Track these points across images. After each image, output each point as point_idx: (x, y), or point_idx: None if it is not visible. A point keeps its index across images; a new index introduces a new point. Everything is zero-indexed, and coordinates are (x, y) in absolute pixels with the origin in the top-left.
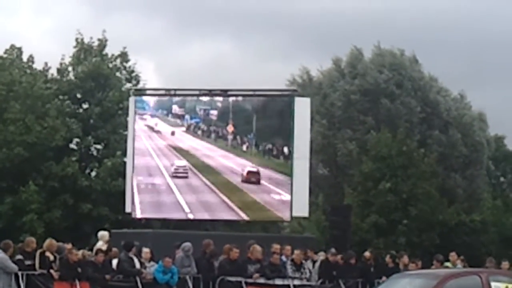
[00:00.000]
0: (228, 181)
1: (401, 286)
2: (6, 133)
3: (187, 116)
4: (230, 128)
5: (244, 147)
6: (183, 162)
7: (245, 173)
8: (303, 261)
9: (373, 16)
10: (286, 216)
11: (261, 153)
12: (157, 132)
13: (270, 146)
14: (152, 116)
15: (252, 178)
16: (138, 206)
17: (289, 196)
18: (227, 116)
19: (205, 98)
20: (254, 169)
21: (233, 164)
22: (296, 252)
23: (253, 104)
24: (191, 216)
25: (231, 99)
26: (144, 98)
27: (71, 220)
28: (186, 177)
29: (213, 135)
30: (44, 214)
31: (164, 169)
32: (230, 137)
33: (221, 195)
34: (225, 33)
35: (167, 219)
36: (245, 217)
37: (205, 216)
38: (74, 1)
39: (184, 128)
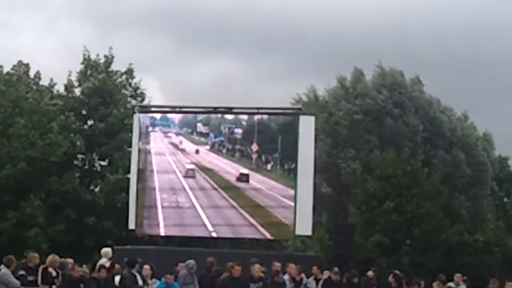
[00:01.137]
0: (251, 199)
1: None
2: (10, 149)
3: (211, 135)
4: (254, 147)
5: (269, 166)
6: (191, 166)
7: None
8: (304, 278)
9: (375, 37)
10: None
11: (286, 172)
12: (182, 150)
13: (294, 165)
14: (177, 134)
15: (243, 178)
16: (162, 224)
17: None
18: (251, 135)
19: (230, 117)
20: (246, 171)
21: (256, 182)
22: (291, 266)
23: (278, 123)
24: (214, 234)
25: (256, 117)
26: (168, 115)
27: (75, 235)
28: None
29: (237, 154)
30: (48, 228)
31: (187, 186)
32: (254, 156)
33: (243, 212)
34: (230, 52)
35: (190, 237)
36: (268, 235)
37: (228, 234)
38: (78, 19)
39: (208, 147)
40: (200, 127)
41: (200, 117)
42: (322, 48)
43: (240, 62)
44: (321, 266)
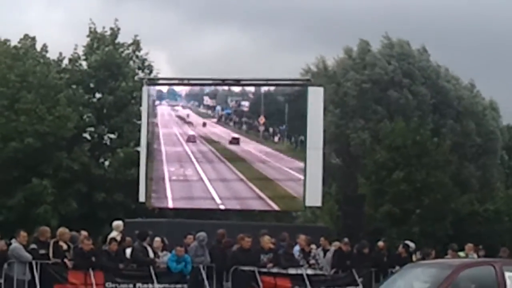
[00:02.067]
0: (259, 172)
1: (414, 276)
2: (18, 124)
3: (218, 107)
4: (261, 119)
5: (276, 139)
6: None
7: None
8: (312, 249)
9: (382, 8)
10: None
11: (293, 145)
12: (189, 123)
13: (302, 138)
14: (184, 107)
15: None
16: (170, 196)
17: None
18: (259, 107)
19: (237, 89)
20: (236, 135)
21: (264, 155)
22: (302, 237)
23: (285, 95)
24: (222, 207)
25: (262, 89)
26: (175, 88)
27: (86, 209)
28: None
29: (244, 127)
30: (58, 204)
31: (194, 159)
32: (261, 128)
33: (251, 185)
34: (237, 24)
35: (199, 209)
36: (277, 207)
37: (236, 206)
38: None
39: (215, 119)
40: (207, 100)
41: (207, 90)
42: (328, 19)
43: (247, 33)
44: (328, 237)
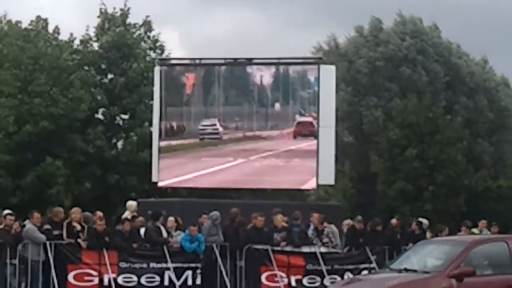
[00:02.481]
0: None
1: (427, 252)
2: (31, 106)
3: None
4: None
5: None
6: (211, 121)
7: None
8: (325, 227)
9: None
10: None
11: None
12: None
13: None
14: None
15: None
16: (184, 176)
17: None
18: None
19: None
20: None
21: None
22: (315, 215)
23: (297, 72)
24: (235, 186)
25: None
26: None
27: (99, 191)
28: (218, 137)
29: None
30: (72, 186)
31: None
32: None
33: (264, 162)
34: (249, 3)
35: (212, 188)
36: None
37: (250, 184)
38: None
39: None
40: None
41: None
42: None
43: (258, 12)
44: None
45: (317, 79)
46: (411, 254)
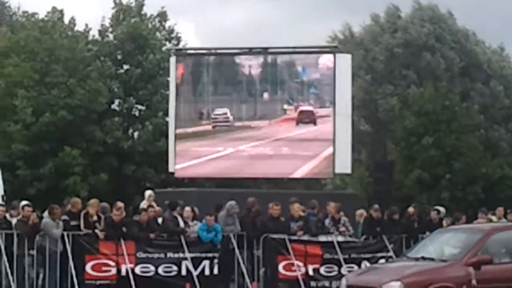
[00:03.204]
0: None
1: (444, 240)
2: (49, 97)
3: None
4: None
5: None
6: (223, 110)
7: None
8: (342, 217)
9: None
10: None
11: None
12: None
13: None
14: None
15: (306, 118)
16: (201, 166)
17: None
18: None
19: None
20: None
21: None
22: (331, 204)
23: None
24: (252, 175)
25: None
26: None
27: (115, 182)
28: (228, 125)
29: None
30: (89, 176)
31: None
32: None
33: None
34: None
35: (229, 178)
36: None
37: (267, 173)
38: None
39: None
40: None
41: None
42: None
43: (270, 3)
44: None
45: (304, 69)
46: (428, 242)
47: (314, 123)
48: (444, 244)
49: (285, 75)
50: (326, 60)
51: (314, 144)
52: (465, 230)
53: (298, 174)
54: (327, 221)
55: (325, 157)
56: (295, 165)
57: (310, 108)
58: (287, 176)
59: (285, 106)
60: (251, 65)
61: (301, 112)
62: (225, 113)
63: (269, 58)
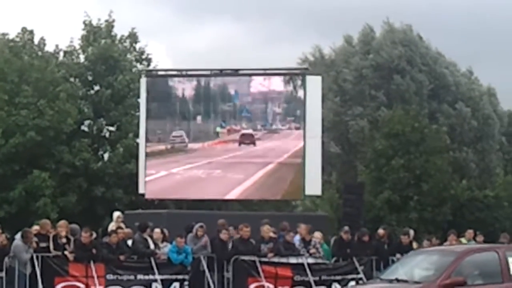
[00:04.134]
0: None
1: (418, 262)
2: (18, 117)
3: None
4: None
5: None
6: (180, 132)
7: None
8: (313, 238)
9: None
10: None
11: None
12: None
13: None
14: None
15: (246, 140)
16: (170, 188)
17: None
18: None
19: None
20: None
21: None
22: (302, 226)
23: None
24: (222, 197)
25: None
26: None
27: (85, 204)
28: (185, 145)
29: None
30: (58, 198)
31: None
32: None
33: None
34: (230, 16)
35: (199, 200)
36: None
37: (235, 195)
38: None
39: None
40: None
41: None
42: (322, 8)
43: (242, 25)
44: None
45: (237, 92)
46: (401, 264)
47: (254, 144)
48: (417, 266)
49: (218, 98)
50: (257, 83)
51: (249, 165)
52: (438, 252)
53: (232, 195)
54: (297, 242)
55: (260, 177)
56: (228, 186)
57: (250, 131)
58: (220, 198)
59: (218, 129)
60: (185, 88)
61: (243, 135)
62: (181, 135)
63: (202, 81)
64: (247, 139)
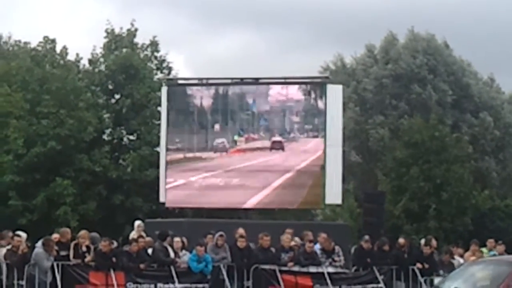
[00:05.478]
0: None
1: (475, 273)
2: (39, 127)
3: None
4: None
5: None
6: (222, 140)
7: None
8: (336, 247)
9: (404, 2)
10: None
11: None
12: None
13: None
14: None
15: (277, 146)
16: (191, 196)
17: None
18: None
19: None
20: (278, 139)
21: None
22: (322, 235)
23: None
24: (243, 206)
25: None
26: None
27: (105, 212)
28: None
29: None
30: (79, 206)
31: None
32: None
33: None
34: (252, 24)
35: (220, 209)
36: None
37: (256, 204)
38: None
39: None
40: None
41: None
42: (346, 17)
43: (261, 34)
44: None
45: (254, 101)
46: (458, 274)
47: (283, 149)
48: (475, 277)
49: (236, 107)
50: (275, 92)
51: (268, 174)
52: (495, 262)
53: (250, 204)
54: (317, 251)
55: (278, 185)
56: (246, 195)
57: (279, 138)
58: (239, 207)
59: (236, 137)
60: (203, 97)
61: (274, 142)
62: (223, 142)
63: (221, 89)
64: (277, 145)
